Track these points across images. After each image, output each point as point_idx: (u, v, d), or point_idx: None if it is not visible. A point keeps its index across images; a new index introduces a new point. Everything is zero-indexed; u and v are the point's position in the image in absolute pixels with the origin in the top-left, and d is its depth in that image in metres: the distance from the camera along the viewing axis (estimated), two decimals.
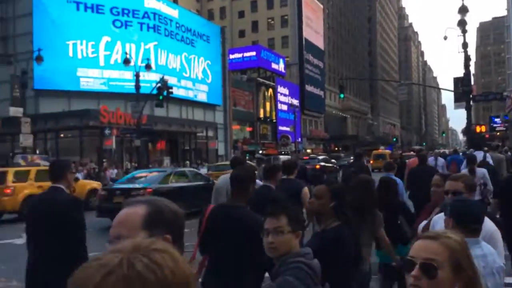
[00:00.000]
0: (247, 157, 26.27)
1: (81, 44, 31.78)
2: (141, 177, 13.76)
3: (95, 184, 17.19)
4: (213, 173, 18.62)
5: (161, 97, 24.88)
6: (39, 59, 23.32)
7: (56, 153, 28.73)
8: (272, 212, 2.21)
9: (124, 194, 11.62)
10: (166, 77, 26.38)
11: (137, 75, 25.84)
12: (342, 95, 33.89)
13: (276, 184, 4.92)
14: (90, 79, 31.91)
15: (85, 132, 29.57)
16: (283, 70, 60.79)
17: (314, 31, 68.78)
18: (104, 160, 28.04)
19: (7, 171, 14.80)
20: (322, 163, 26.50)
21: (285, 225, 2.15)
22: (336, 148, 68.01)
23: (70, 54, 31.33)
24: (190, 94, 38.73)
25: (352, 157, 42.11)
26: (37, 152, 26.04)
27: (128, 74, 29.84)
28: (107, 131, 27.07)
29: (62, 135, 30.35)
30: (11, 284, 6.89)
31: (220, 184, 5.49)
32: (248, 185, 3.25)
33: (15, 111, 23.35)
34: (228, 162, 14.47)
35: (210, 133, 41.13)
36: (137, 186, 12.50)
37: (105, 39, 32.64)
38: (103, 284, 0.70)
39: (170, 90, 25.43)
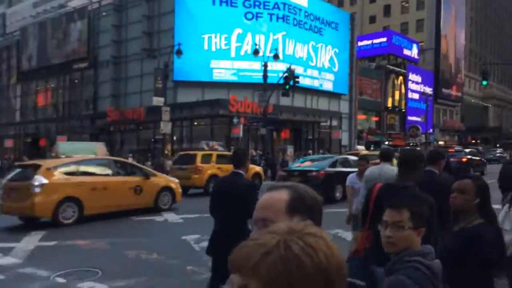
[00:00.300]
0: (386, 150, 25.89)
1: (215, 37, 33.65)
2: (312, 161, 15.86)
3: (258, 169, 19.81)
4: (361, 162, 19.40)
5: (287, 87, 25.29)
6: (179, 52, 25.38)
7: (190, 140, 31.13)
8: (393, 205, 2.03)
9: (301, 175, 13.75)
10: (293, 67, 26.65)
11: (265, 65, 26.63)
12: (485, 82, 30.42)
13: (439, 170, 4.91)
14: (222, 70, 33.70)
15: (215, 121, 31.35)
16: (416, 56, 56.98)
17: (454, 12, 62.85)
18: (232, 147, 29.62)
19: (196, 154, 17.72)
20: (469, 156, 24.70)
21: (406, 220, 1.97)
22: (474, 141, 61.90)
23: (205, 47, 33.39)
24: (315, 83, 38.58)
25: (498, 151, 38.17)
26: (174, 138, 28.52)
27: (257, 65, 30.86)
28: (235, 120, 28.41)
29: (195, 123, 32.69)
30: (151, 257, 7.47)
31: (371, 175, 5.47)
32: (416, 165, 3.34)
33: (157, 100, 25.82)
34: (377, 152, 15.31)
35: (334, 123, 40.54)
36: (310, 168, 14.34)
37: (237, 31, 34.06)
38: (262, 262, 0.74)
39: (297, 79, 25.69)
